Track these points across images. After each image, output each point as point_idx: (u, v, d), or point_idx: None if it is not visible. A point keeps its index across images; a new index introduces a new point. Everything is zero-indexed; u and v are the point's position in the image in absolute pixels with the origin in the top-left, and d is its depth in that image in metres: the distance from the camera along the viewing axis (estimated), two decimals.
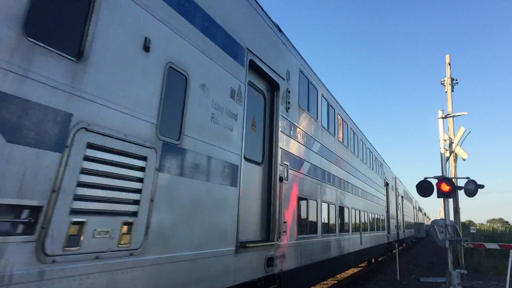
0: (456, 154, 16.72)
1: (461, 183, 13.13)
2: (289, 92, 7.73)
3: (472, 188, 12.38)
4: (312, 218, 8.85)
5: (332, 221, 10.55)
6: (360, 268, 16.89)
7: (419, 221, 55.82)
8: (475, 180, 12.43)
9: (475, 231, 23.65)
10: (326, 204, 10.04)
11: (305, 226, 8.30)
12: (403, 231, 30.19)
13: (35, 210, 2.73)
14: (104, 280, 3.21)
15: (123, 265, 3.42)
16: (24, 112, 2.68)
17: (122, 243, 3.42)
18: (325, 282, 11.86)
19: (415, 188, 12.97)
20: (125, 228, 3.47)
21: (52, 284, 2.78)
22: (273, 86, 7.15)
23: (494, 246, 13.32)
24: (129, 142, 3.55)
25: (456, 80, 19.54)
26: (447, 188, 12.58)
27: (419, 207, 60.98)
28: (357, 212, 13.99)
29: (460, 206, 18.31)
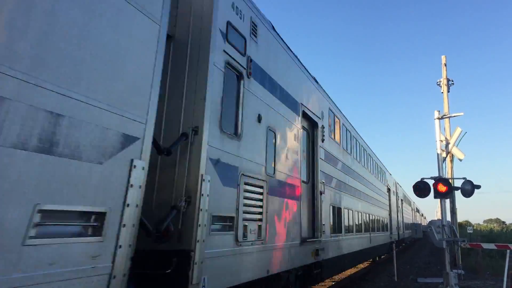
0: (452, 154, 16.76)
1: (458, 183, 13.16)
2: (323, 127, 10.53)
3: (469, 189, 12.41)
4: (339, 221, 11.65)
5: (351, 223, 13.34)
6: (357, 269, 16.90)
7: (417, 222, 56.16)
8: (471, 180, 12.47)
9: (472, 232, 23.72)
10: (347, 209, 12.82)
11: (335, 227, 11.17)
12: (403, 232, 32.61)
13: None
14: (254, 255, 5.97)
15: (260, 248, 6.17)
16: (228, 170, 5.36)
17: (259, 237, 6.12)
18: (323, 283, 11.86)
19: (412, 189, 13.01)
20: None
21: (241, 254, 5.55)
22: (313, 125, 9.92)
23: (491, 246, 13.36)
24: (257, 178, 6.20)
25: (452, 81, 19.60)
26: (443, 188, 12.61)
27: (416, 208, 62.14)
28: (367, 215, 16.63)
29: (456, 207, 18.37)
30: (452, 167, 18.32)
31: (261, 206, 6.24)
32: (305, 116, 9.16)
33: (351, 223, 13.34)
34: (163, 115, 4.94)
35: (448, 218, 14.79)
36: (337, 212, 11.49)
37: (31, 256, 2.62)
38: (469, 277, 14.81)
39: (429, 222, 13.07)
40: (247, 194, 5.81)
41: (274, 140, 7.04)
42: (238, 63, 5.80)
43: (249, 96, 6.11)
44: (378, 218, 19.99)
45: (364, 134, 19.55)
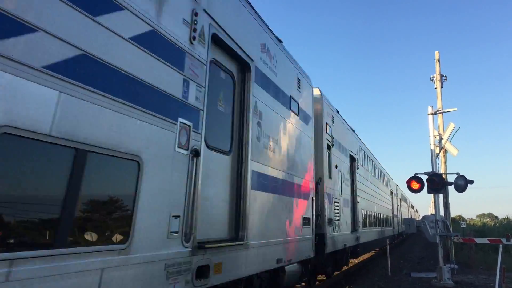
0: (446, 150, 16.85)
1: (451, 178, 13.25)
2: (357, 160, 16.56)
3: (462, 184, 12.49)
4: (366, 219, 17.91)
5: (371, 220, 19.37)
6: (352, 264, 16.99)
7: (411, 217, 57.08)
8: (464, 175, 12.55)
9: (465, 226, 23.88)
10: (369, 211, 19.00)
11: (366, 223, 17.62)
12: (402, 226, 38.56)
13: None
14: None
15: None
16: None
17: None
18: (319, 278, 11.90)
19: (406, 185, 13.08)
20: None
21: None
22: (353, 160, 16.00)
23: (484, 240, 13.46)
24: None
25: (446, 77, 19.66)
26: (437, 184, 12.70)
27: (411, 205, 65.38)
28: (379, 214, 23.00)
29: (450, 202, 18.47)
30: (445, 162, 18.42)
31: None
32: (351, 158, 15.26)
33: (371, 220, 19.34)
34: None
35: (442, 213, 14.90)
36: (365, 213, 17.47)
37: None
38: (462, 271, 14.92)
39: (423, 217, 13.15)
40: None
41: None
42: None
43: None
44: (385, 217, 26.13)
45: (359, 130, 20.09)
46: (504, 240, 11.78)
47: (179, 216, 4.23)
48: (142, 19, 3.85)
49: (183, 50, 4.52)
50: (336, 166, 12.31)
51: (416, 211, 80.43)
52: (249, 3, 6.56)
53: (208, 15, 5.11)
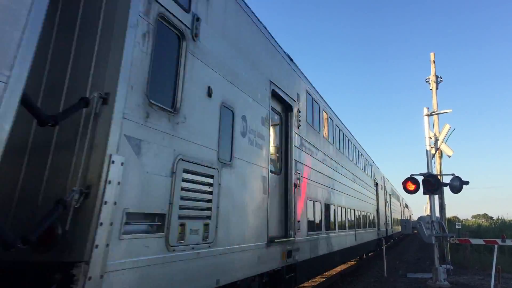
0: (441, 151, 16.91)
1: (447, 179, 13.30)
2: (299, 111, 9.72)
3: (457, 185, 12.54)
4: (318, 217, 10.80)
5: (332, 220, 12.50)
6: (348, 265, 16.99)
7: (406, 218, 56.57)
8: (460, 176, 12.60)
9: (460, 227, 23.95)
10: (328, 205, 11.88)
11: (314, 225, 10.14)
12: (391, 228, 32.00)
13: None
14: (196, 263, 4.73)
15: None
16: (158, 153, 4.18)
17: None
18: (313, 280, 11.89)
19: (401, 186, 13.12)
20: None
21: (174, 263, 4.38)
22: (287, 108, 8.90)
23: (479, 241, 13.51)
24: (205, 165, 5.03)
25: (441, 78, 19.75)
26: (433, 185, 12.73)
27: (405, 204, 62.36)
28: (352, 211, 15.74)
29: (445, 202, 18.54)
30: (441, 164, 18.48)
31: (210, 201, 4.98)
32: (275, 96, 7.83)
33: (332, 219, 12.23)
34: (65, 79, 3.81)
35: (437, 214, 14.94)
36: (316, 207, 10.22)
37: None
38: (457, 272, 14.97)
39: (419, 218, 13.18)
40: (189, 185, 4.57)
41: (231, 121, 5.79)
42: (179, 20, 4.60)
43: (195, 63, 4.87)
44: (365, 214, 19.09)
45: (356, 132, 19.57)
46: (499, 241, 11.83)
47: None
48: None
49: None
50: (210, 90, 5.42)
51: (407, 207, 75.46)
52: (296, 65, 9.42)
53: (272, 82, 7.55)
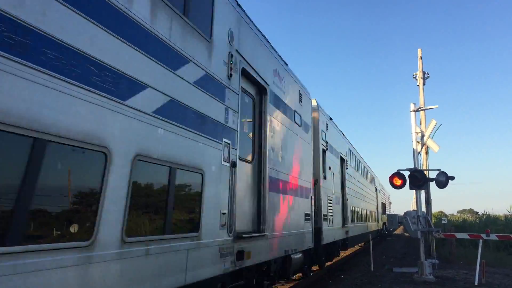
0: (427, 146, 17.02)
1: (433, 175, 13.39)
2: (347, 162, 17.62)
3: (443, 180, 12.62)
4: (354, 214, 19.93)
5: (358, 216, 21.22)
6: (335, 260, 17.08)
7: (392, 213, 57.32)
8: (446, 172, 12.69)
9: (446, 222, 24.21)
10: (357, 207, 21.06)
11: (353, 218, 19.29)
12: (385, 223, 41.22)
13: None
14: None
15: None
16: None
17: None
18: (300, 274, 11.92)
19: (388, 181, 13.16)
20: None
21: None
22: (343, 160, 16.46)
23: (464, 236, 13.66)
24: None
25: (428, 74, 19.85)
26: (419, 180, 12.80)
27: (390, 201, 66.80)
28: (365, 210, 24.42)
29: (431, 198, 18.70)
30: (427, 159, 18.61)
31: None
32: (342, 159, 16.28)
33: (358, 216, 20.72)
34: None
35: (423, 209, 15.05)
36: (353, 209, 18.51)
37: None
38: (443, 266, 15.12)
39: (405, 212, 13.27)
40: None
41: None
42: None
43: None
44: (371, 212, 27.28)
45: (343, 127, 20.09)
46: (484, 236, 11.97)
47: (225, 213, 5.68)
48: (200, 67, 5.22)
49: (225, 86, 5.95)
50: (330, 168, 14.07)
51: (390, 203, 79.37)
52: (265, 38, 8.06)
53: (239, 54, 6.57)
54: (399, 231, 54.93)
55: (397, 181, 13.03)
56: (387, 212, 45.53)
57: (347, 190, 17.55)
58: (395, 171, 13.13)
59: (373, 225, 28.00)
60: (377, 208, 32.06)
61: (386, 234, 41.03)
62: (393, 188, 13.32)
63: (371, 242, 16.81)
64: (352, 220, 18.42)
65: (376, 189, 33.27)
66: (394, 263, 16.86)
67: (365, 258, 18.32)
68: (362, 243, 25.94)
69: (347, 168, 17.68)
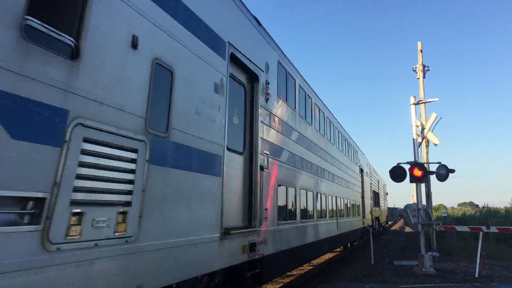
0: (428, 139, 17.00)
1: (433, 168, 13.37)
2: (267, 83, 8.12)
3: (443, 173, 12.61)
4: (292, 205, 9.46)
5: (310, 208, 10.94)
6: (335, 253, 17.11)
7: (392, 206, 56.74)
8: (446, 165, 12.68)
9: (446, 215, 24.23)
10: (305, 191, 10.52)
11: (286, 213, 9.14)
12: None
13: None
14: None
15: None
16: (33, 110, 2.94)
17: None
18: (301, 268, 11.94)
19: (389, 174, 13.14)
20: None
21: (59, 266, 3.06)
22: (252, 78, 7.65)
23: (464, 229, 13.66)
24: (124, 136, 3.92)
25: (428, 67, 19.80)
26: (419, 173, 12.79)
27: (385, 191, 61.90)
28: (333, 198, 14.40)
29: (432, 191, 18.70)
30: (427, 152, 18.59)
31: (131, 182, 3.79)
32: (236, 62, 6.58)
33: (310, 207, 10.78)
34: None
35: (424, 202, 15.05)
36: (289, 193, 8.91)
37: None
38: (443, 259, 15.15)
39: (405, 206, 13.27)
40: (94, 160, 3.38)
41: (170, 83, 4.56)
42: None
43: None
44: (348, 201, 17.58)
45: (345, 123, 19.61)
46: (484, 228, 11.97)
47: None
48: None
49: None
50: (136, 42, 5.19)
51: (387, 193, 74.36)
52: (258, 21, 7.59)
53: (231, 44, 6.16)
54: (397, 226, 53.24)
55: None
56: (381, 204, 34.07)
57: (265, 146, 7.48)
58: (396, 165, 13.11)
59: (353, 223, 18.21)
60: (362, 198, 22.43)
61: (380, 232, 31.73)
62: (393, 181, 13.25)
63: (371, 234, 16.83)
64: (284, 217, 8.51)
65: (362, 171, 23.46)
66: (395, 256, 16.89)
67: (365, 251, 18.36)
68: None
69: (267, 100, 7.74)
